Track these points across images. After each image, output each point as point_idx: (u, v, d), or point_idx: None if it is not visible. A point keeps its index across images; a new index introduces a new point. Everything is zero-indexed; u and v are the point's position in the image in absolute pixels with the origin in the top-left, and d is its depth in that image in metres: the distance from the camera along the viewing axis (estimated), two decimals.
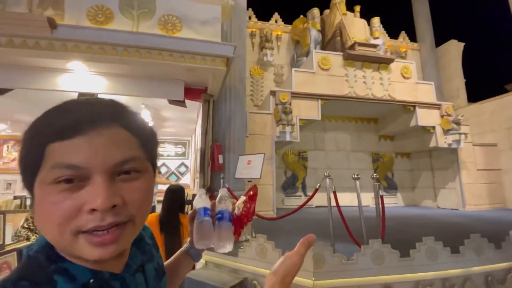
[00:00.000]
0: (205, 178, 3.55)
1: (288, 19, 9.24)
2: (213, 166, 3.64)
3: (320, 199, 8.03)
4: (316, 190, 3.07)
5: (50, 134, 0.35)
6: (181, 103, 4.01)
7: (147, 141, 0.43)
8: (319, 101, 6.83)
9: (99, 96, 3.94)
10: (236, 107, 4.15)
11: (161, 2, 3.02)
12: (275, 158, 6.41)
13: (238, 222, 0.65)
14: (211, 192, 3.54)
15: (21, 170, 0.37)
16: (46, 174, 0.35)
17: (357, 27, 7.98)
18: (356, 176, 2.90)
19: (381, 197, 3.01)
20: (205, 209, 0.62)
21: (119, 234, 0.37)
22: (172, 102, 3.92)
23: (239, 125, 4.14)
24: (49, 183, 0.34)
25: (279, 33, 9.08)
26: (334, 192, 2.92)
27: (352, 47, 7.35)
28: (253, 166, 3.40)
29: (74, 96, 3.88)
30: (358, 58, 7.18)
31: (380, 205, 2.93)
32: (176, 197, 2.47)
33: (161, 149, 7.84)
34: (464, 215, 6.39)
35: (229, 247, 0.60)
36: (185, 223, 2.44)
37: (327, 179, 2.91)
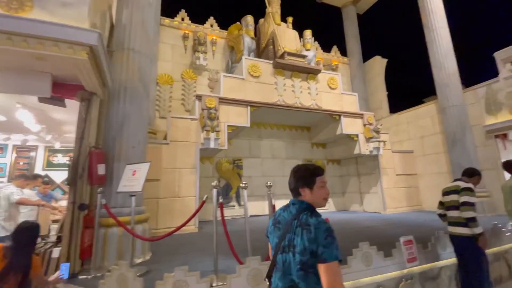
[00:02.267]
0: (77, 192, 2.92)
1: (224, 24, 9.06)
2: (91, 178, 3.03)
3: (256, 208, 7.87)
4: (203, 203, 2.73)
5: (320, 171, 1.34)
6: (56, 102, 3.34)
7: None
8: (249, 107, 6.66)
9: None
10: (132, 109, 3.62)
11: None
12: (199, 167, 5.98)
13: None
14: (83, 210, 2.92)
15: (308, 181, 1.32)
16: (318, 184, 1.30)
17: (288, 38, 8.15)
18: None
19: (274, 206, 2.80)
20: None
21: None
22: (43, 100, 3.23)
23: (134, 130, 3.60)
24: (319, 186, 1.29)
25: (215, 37, 8.83)
26: (221, 204, 2.61)
27: (282, 56, 7.43)
28: (137, 177, 2.92)
29: None
30: (287, 67, 7.27)
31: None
32: (27, 237, 2.19)
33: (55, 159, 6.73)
34: (382, 218, 6.76)
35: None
36: (36, 264, 2.18)
37: (214, 190, 2.58)
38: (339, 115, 7.74)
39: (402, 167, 8.63)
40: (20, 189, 3.90)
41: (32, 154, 6.58)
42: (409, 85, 14.38)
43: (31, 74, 2.83)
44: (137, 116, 3.69)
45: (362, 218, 6.80)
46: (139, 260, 3.31)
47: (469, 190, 2.73)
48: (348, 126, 7.79)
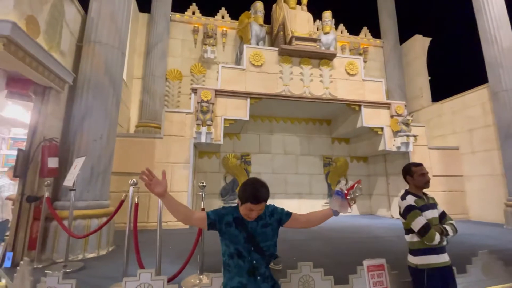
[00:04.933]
0: (26, 184, 2.98)
1: (237, 15, 8.70)
2: (42, 171, 3.07)
3: None
4: (122, 202, 2.47)
5: (249, 198, 1.39)
6: (23, 97, 3.46)
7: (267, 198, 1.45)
8: (248, 99, 6.23)
9: None
10: (95, 102, 3.58)
11: None
12: (206, 162, 5.87)
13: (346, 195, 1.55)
14: (31, 201, 2.95)
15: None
16: (245, 206, 1.41)
17: (299, 21, 7.38)
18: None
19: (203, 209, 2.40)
20: (337, 191, 1.58)
21: (255, 215, 1.43)
22: (9, 95, 3.37)
23: (97, 123, 3.56)
24: (244, 206, 1.42)
25: (225, 29, 8.54)
26: (136, 205, 2.32)
27: (289, 41, 6.77)
28: (74, 172, 2.83)
29: None
30: (294, 53, 6.58)
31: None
32: None
33: None
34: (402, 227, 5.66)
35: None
36: None
37: (131, 187, 2.31)
38: (359, 105, 6.74)
39: (442, 166, 7.16)
40: (13, 183, 4.02)
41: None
42: (460, 69, 11.86)
43: None
44: (101, 109, 3.64)
45: (378, 226, 5.81)
46: (91, 255, 3.26)
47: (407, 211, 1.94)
48: (371, 117, 6.74)
